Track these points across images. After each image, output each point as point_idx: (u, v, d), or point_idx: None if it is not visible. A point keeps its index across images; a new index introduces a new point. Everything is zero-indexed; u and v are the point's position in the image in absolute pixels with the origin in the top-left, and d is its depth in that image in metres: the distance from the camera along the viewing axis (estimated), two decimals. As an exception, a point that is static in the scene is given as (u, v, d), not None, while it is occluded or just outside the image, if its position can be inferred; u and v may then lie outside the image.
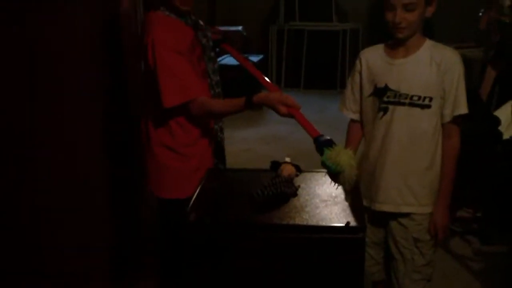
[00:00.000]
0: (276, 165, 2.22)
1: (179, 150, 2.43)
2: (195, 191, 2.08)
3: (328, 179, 2.19)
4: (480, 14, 5.44)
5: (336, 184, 2.03)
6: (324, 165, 2.00)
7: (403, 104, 2.31)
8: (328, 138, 2.04)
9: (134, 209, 2.93)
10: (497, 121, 3.67)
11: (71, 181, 2.66)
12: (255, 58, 7.73)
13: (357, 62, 2.49)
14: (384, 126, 2.36)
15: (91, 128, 2.64)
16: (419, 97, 2.30)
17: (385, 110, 2.35)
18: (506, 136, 3.58)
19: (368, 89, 2.43)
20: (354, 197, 2.06)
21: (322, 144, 2.02)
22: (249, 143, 5.94)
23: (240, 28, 8.22)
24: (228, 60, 7.43)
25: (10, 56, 2.44)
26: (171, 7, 2.37)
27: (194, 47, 2.42)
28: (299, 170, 2.22)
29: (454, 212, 3.06)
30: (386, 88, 2.34)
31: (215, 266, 1.89)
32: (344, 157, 1.98)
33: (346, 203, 2.01)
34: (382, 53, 2.42)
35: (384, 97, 2.35)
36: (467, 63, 2.38)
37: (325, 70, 8.26)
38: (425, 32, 2.38)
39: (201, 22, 2.54)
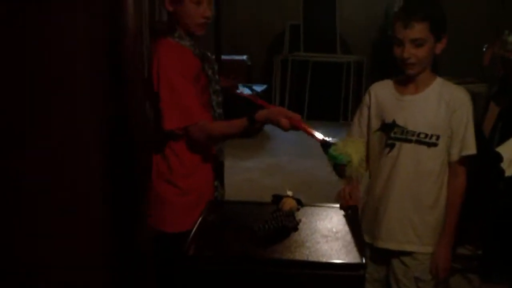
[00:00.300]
0: (277, 198, 2.21)
1: (177, 183, 2.41)
2: (194, 224, 2.07)
3: (329, 213, 2.19)
4: (484, 49, 5.47)
5: (342, 180, 2.07)
6: (330, 156, 2.01)
7: (410, 141, 2.31)
8: (335, 140, 2.05)
9: (131, 241, 2.90)
10: (500, 158, 3.66)
11: (68, 208, 2.63)
12: (258, 88, 7.78)
13: (366, 96, 2.49)
14: (390, 162, 2.36)
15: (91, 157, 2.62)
16: (426, 135, 2.29)
17: (392, 146, 2.35)
18: (508, 173, 3.55)
19: (375, 124, 2.42)
20: (355, 233, 2.05)
21: (329, 144, 2.03)
22: (251, 173, 5.93)
23: (244, 57, 8.29)
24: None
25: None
26: (184, 34, 2.40)
27: (200, 77, 2.43)
28: (300, 204, 2.21)
29: (454, 249, 3.04)
30: (394, 124, 2.34)
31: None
32: (352, 146, 2.00)
33: (347, 239, 2.00)
34: (391, 88, 2.42)
35: (391, 133, 2.34)
36: (471, 98, 2.39)
37: (329, 101, 8.29)
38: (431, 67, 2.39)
39: (209, 54, 2.55)
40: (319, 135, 2.11)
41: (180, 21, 2.39)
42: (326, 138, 2.07)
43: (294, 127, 2.18)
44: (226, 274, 1.87)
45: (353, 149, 2.00)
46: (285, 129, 2.18)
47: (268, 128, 7.52)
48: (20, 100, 2.50)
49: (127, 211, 2.80)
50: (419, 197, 2.34)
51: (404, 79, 2.37)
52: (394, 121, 2.34)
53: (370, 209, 2.45)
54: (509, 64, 4.93)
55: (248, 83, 7.90)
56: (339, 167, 2.03)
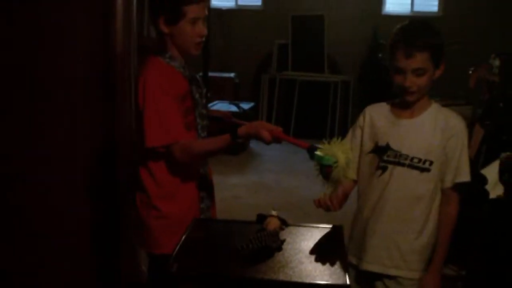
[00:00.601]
0: (262, 218, 2.20)
1: (156, 205, 2.39)
2: (178, 242, 2.06)
3: (314, 233, 2.18)
4: (470, 72, 5.52)
5: (329, 183, 2.05)
6: (317, 158, 2.01)
7: (403, 165, 2.29)
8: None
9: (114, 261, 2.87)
10: (484, 180, 3.68)
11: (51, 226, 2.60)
12: (246, 106, 7.79)
13: (361, 117, 2.47)
14: (380, 185, 2.34)
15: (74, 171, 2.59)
16: (420, 160, 2.28)
17: (384, 169, 2.33)
18: (492, 195, 3.58)
19: (368, 146, 2.41)
20: (339, 253, 2.04)
21: (315, 148, 2.03)
22: (237, 190, 5.92)
23: (232, 75, 8.31)
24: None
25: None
26: (176, 54, 2.40)
27: (186, 98, 2.42)
28: (285, 223, 2.20)
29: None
30: (388, 147, 2.32)
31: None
32: (339, 146, 1.99)
33: (331, 260, 1.99)
34: (387, 111, 2.41)
35: (384, 155, 2.33)
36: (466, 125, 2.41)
37: (315, 120, 8.30)
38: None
39: (197, 77, 2.55)
40: (302, 142, 2.13)
41: (175, 41, 2.38)
42: (314, 145, 2.08)
43: (276, 139, 2.20)
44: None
45: (339, 149, 2.00)
46: (267, 142, 2.19)
47: (253, 145, 7.58)
48: (20, 101, 2.49)
49: (110, 228, 2.78)
50: (408, 221, 2.32)
51: (401, 103, 2.36)
52: (388, 144, 2.33)
53: (358, 230, 2.43)
54: (494, 88, 4.98)
55: (235, 100, 7.91)
56: (326, 169, 2.02)
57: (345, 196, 2.37)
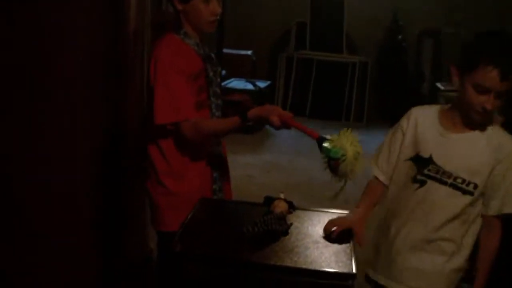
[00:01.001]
0: (269, 200, 2.16)
1: (164, 183, 2.37)
2: (184, 221, 2.03)
3: (322, 218, 2.14)
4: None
5: (337, 178, 1.97)
6: (325, 151, 1.94)
7: (445, 183, 2.10)
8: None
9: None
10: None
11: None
12: (262, 84, 7.73)
13: (404, 119, 2.25)
14: (415, 200, 2.15)
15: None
16: (464, 181, 2.08)
17: (422, 183, 2.14)
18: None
19: (408, 153, 2.20)
20: (347, 241, 1.99)
21: (324, 139, 1.97)
22: (250, 169, 5.88)
23: (249, 52, 8.24)
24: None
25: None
26: (191, 32, 2.36)
27: (200, 77, 2.38)
28: (292, 207, 2.16)
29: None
30: (430, 161, 2.12)
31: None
32: (347, 138, 1.91)
33: (338, 247, 1.95)
34: (435, 119, 2.16)
35: (425, 169, 2.13)
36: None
37: (332, 100, 8.23)
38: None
39: (212, 55, 2.51)
40: (312, 131, 2.06)
41: (189, 19, 2.34)
42: (324, 136, 2.02)
43: (286, 125, 2.16)
44: (211, 274, 1.83)
45: (348, 141, 1.92)
46: (276, 127, 2.16)
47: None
48: (20, 99, 2.48)
49: (117, 209, 2.77)
50: (441, 243, 2.14)
51: (453, 113, 2.12)
52: (431, 157, 2.12)
53: (382, 244, 2.26)
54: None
55: (252, 78, 7.85)
56: (333, 162, 1.95)
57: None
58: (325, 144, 1.96)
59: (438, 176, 2.11)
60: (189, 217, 2.07)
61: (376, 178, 2.29)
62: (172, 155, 2.36)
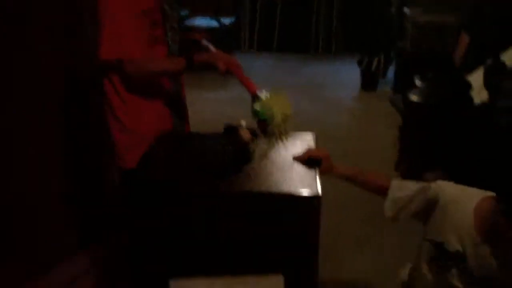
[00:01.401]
0: (230, 129, 2.08)
1: (120, 119, 2.29)
2: (142, 157, 1.97)
3: (285, 143, 2.08)
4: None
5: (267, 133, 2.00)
6: (254, 112, 1.98)
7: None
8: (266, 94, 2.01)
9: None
10: (468, 86, 3.58)
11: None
12: (227, 21, 7.54)
13: (432, 192, 1.84)
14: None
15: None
16: None
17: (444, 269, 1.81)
18: (477, 101, 3.49)
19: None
20: (311, 163, 1.94)
21: (255, 99, 2.00)
22: (216, 104, 5.80)
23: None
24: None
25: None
26: None
27: (153, 11, 2.27)
28: (254, 135, 2.08)
29: (420, 175, 2.94)
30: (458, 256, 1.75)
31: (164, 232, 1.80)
32: (276, 101, 1.94)
33: (303, 170, 1.89)
34: (469, 220, 1.71)
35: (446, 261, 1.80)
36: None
37: (299, 33, 8.10)
38: None
39: None
40: (252, 87, 2.10)
41: None
42: (259, 92, 2.05)
43: (231, 73, 2.19)
44: (171, 205, 1.79)
45: (277, 104, 1.92)
46: (221, 73, 2.19)
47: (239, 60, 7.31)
48: None
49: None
50: None
51: (494, 219, 1.63)
52: (458, 251, 1.75)
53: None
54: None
55: (216, 15, 7.66)
56: (262, 123, 1.98)
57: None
58: (256, 106, 1.97)
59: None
60: (146, 151, 2.00)
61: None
62: (126, 93, 2.27)
